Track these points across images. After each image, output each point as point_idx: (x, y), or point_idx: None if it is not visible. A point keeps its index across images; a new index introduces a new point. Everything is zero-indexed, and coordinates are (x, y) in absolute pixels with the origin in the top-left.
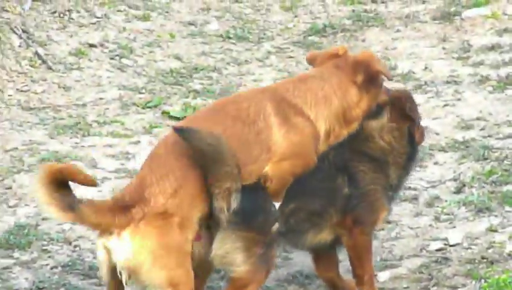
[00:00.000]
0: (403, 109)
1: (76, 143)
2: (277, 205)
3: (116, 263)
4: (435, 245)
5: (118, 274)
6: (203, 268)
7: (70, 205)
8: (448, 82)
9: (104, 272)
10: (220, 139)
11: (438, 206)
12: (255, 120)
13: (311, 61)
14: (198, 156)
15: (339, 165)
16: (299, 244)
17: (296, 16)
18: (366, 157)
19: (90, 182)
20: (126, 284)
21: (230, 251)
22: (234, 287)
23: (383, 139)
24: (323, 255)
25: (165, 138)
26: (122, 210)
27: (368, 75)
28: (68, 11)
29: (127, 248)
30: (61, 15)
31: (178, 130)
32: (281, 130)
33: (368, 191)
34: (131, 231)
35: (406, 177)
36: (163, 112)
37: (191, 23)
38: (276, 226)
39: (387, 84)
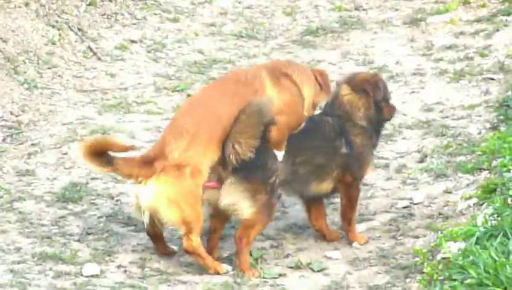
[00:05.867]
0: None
1: (119, 119)
2: (279, 155)
3: (141, 205)
4: (402, 203)
5: (142, 214)
6: (221, 213)
7: (109, 161)
8: (414, 74)
9: (135, 213)
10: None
11: (404, 172)
12: (252, 82)
13: None
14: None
15: (337, 130)
16: (304, 193)
17: (294, 20)
18: (357, 125)
19: (124, 149)
20: (147, 223)
21: (238, 199)
22: (244, 227)
23: (363, 112)
24: (314, 208)
25: (183, 105)
26: (148, 164)
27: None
28: (115, 13)
29: (149, 193)
30: (109, 17)
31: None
32: (274, 90)
33: (361, 152)
34: (154, 180)
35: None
36: (188, 95)
37: (211, 25)
38: (275, 177)
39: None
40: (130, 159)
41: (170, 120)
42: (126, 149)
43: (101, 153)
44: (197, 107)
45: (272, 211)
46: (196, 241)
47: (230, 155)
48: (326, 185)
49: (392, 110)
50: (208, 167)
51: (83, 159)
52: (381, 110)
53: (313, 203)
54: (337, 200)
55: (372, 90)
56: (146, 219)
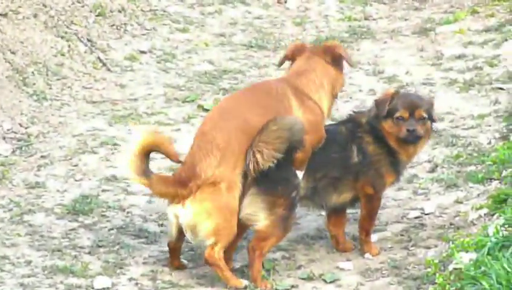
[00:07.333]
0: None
1: (129, 130)
2: (300, 173)
3: (181, 224)
4: (413, 214)
5: (184, 232)
6: (240, 223)
7: (146, 172)
8: (424, 84)
9: (173, 231)
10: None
11: (415, 183)
12: (282, 99)
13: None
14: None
15: (350, 138)
16: (324, 205)
17: (304, 30)
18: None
19: (175, 157)
20: (192, 241)
21: (256, 210)
22: (257, 239)
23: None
24: (336, 214)
25: (209, 115)
26: (182, 184)
27: (334, 56)
28: (124, 24)
29: (189, 213)
30: (118, 27)
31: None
32: (300, 110)
33: (373, 160)
34: (191, 200)
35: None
36: (199, 106)
37: (221, 35)
38: (295, 192)
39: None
40: (165, 177)
41: (198, 132)
42: (177, 158)
43: (149, 154)
44: (226, 118)
45: (289, 226)
46: (219, 253)
47: (249, 163)
48: (345, 196)
49: (400, 130)
50: (241, 177)
51: (132, 155)
52: (382, 126)
53: (336, 209)
54: (353, 210)
55: (376, 105)
56: (189, 237)
